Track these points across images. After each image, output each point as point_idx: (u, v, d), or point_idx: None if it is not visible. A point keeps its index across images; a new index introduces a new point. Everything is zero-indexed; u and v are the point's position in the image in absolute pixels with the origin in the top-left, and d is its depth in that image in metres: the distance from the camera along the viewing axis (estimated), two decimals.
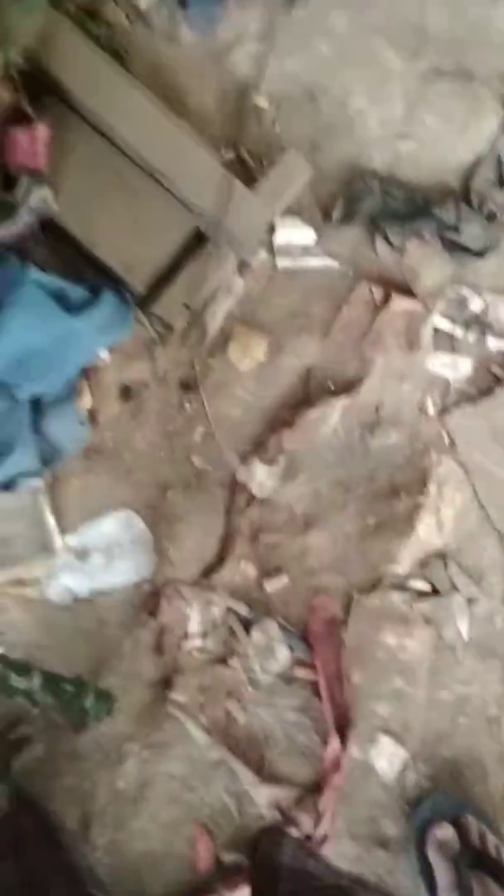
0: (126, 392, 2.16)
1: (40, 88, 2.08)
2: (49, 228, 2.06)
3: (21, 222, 1.98)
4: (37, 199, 1.96)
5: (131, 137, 2.09)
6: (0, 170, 1.95)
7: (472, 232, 2.47)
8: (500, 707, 2.24)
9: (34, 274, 1.97)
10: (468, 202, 2.50)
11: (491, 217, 2.50)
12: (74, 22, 2.14)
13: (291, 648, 2.14)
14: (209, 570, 2.15)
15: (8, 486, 1.96)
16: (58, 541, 2.03)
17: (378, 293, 2.37)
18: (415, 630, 2.22)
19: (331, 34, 2.53)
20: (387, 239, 2.41)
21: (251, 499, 2.20)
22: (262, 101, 2.45)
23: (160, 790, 1.98)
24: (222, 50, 2.43)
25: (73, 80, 2.06)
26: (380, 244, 2.41)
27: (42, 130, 1.97)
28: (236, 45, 2.44)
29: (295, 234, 2.35)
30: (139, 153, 2.10)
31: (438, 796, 2.10)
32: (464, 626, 2.26)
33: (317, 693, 2.13)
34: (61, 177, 2.06)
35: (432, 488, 2.28)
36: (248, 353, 2.23)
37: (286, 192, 2.27)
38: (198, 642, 2.10)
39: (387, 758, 2.13)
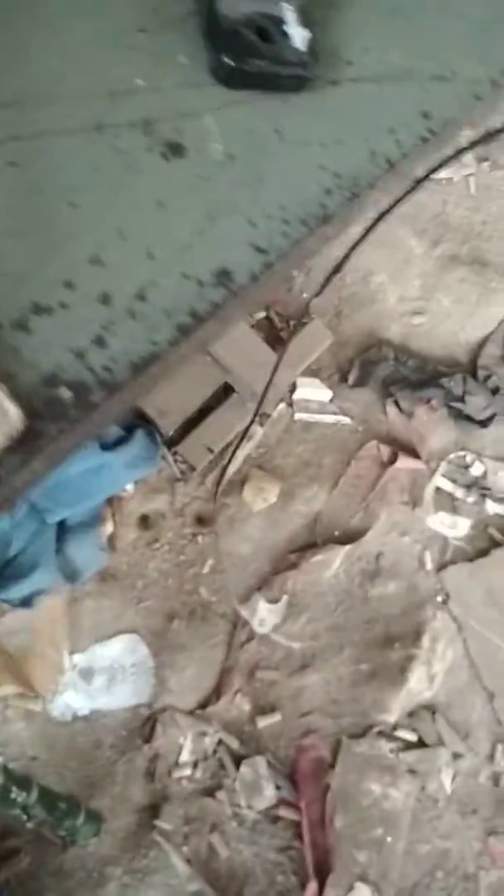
0: (145, 521, 2.32)
1: None
2: None
3: None
4: None
5: None
6: None
7: (476, 403, 2.69)
8: (477, 865, 2.26)
9: None
10: (474, 376, 2.74)
11: (495, 391, 2.73)
12: None
13: (278, 787, 2.20)
14: (206, 702, 2.24)
15: (26, 602, 2.10)
16: (66, 659, 2.14)
17: (385, 451, 2.57)
18: (399, 780, 2.28)
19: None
20: (397, 403, 2.63)
21: (252, 634, 2.31)
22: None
23: None
24: None
25: None
26: (390, 407, 2.62)
27: None
28: None
29: (313, 391, 2.57)
30: None
31: None
32: (447, 780, 2.31)
33: (299, 834, 2.17)
34: None
35: (426, 641, 2.39)
36: (262, 496, 2.41)
37: (307, 357, 2.51)
38: (188, 772, 2.17)
39: None
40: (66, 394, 0.71)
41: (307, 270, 2.75)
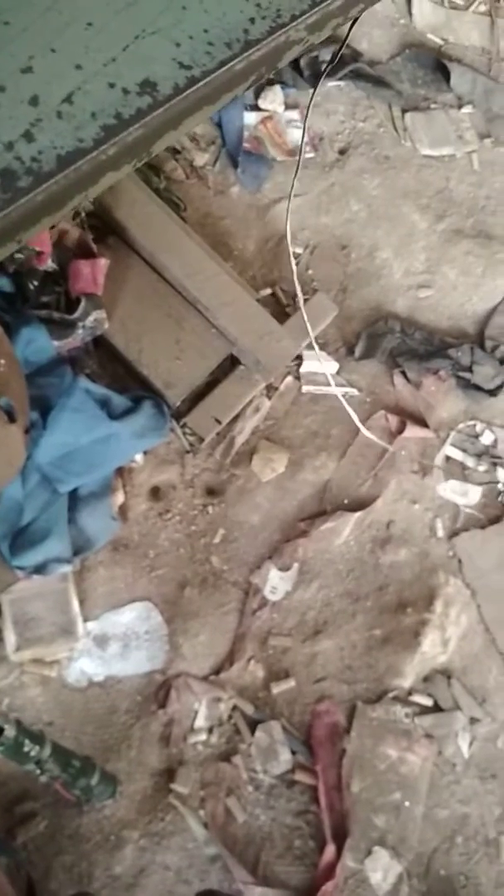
0: (156, 493, 2.35)
1: (105, 228, 2.42)
2: (101, 345, 2.34)
3: (77, 338, 2.25)
4: (92, 320, 2.24)
5: (179, 274, 2.39)
6: (64, 294, 2.25)
7: (484, 373, 2.69)
8: (498, 830, 2.24)
9: (84, 382, 2.22)
10: (482, 346, 2.74)
11: (503, 361, 2.73)
12: (139, 174, 2.51)
13: (294, 752, 2.21)
14: (219, 668, 2.25)
15: (40, 570, 2.13)
16: (80, 626, 2.17)
17: (394, 421, 2.58)
18: (416, 745, 2.27)
19: (363, 195, 2.88)
20: (404, 374, 2.64)
21: (264, 602, 2.33)
22: (297, 248, 2.77)
23: (155, 879, 2.02)
24: (266, 204, 2.78)
25: (133, 224, 2.39)
26: (398, 377, 2.64)
27: (102, 263, 2.27)
28: (278, 201, 2.79)
29: (320, 364, 2.59)
30: (185, 287, 2.39)
31: None
32: (465, 745, 2.30)
33: (316, 799, 2.17)
34: (116, 303, 2.35)
35: (439, 606, 2.39)
36: (270, 466, 2.43)
37: (312, 329, 2.54)
38: (203, 737, 2.18)
39: (382, 870, 2.13)
40: None
41: (311, 248, 2.79)
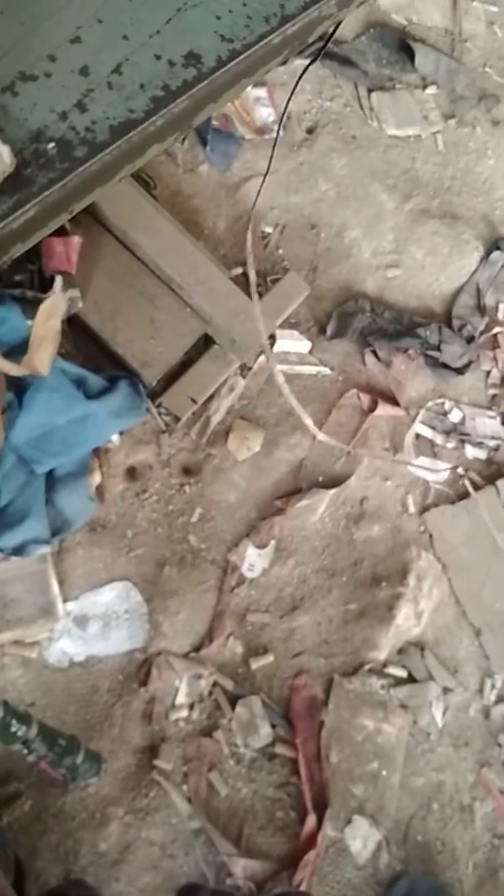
0: (132, 473, 2.35)
1: None
2: (75, 324, 2.32)
3: None
4: (66, 299, 2.21)
5: (153, 252, 2.37)
6: (38, 272, 2.22)
7: (452, 351, 2.74)
8: (472, 796, 2.32)
9: (59, 362, 2.20)
10: (449, 325, 2.79)
11: (470, 339, 2.79)
12: None
13: (273, 725, 2.24)
14: (199, 645, 2.27)
15: (18, 551, 2.11)
16: (60, 607, 2.17)
17: (366, 399, 2.61)
18: (392, 715, 2.33)
19: (331, 175, 2.89)
20: (375, 353, 2.67)
21: (242, 579, 2.35)
22: (268, 227, 2.78)
23: (141, 855, 2.04)
24: (236, 182, 2.78)
25: (104, 202, 2.36)
26: (368, 357, 2.67)
27: (75, 241, 2.25)
28: (248, 179, 2.78)
29: (292, 343, 2.61)
30: (159, 266, 2.38)
31: (415, 878, 2.15)
32: (438, 714, 2.36)
33: (296, 771, 2.21)
34: (90, 281, 2.33)
35: (412, 580, 2.44)
36: (246, 445, 2.44)
37: (285, 308, 2.55)
38: (184, 713, 2.20)
39: (361, 838, 2.19)
40: (52, 148, 0.80)
41: (281, 228, 2.79)
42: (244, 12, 0.88)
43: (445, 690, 2.39)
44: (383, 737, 2.30)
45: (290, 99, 1.90)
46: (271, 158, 2.17)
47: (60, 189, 0.82)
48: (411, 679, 2.38)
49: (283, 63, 0.96)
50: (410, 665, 2.40)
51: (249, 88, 2.93)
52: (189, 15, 0.84)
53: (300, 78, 1.57)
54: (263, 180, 2.25)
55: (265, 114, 2.91)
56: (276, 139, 2.09)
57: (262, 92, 2.94)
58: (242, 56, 0.87)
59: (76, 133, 0.81)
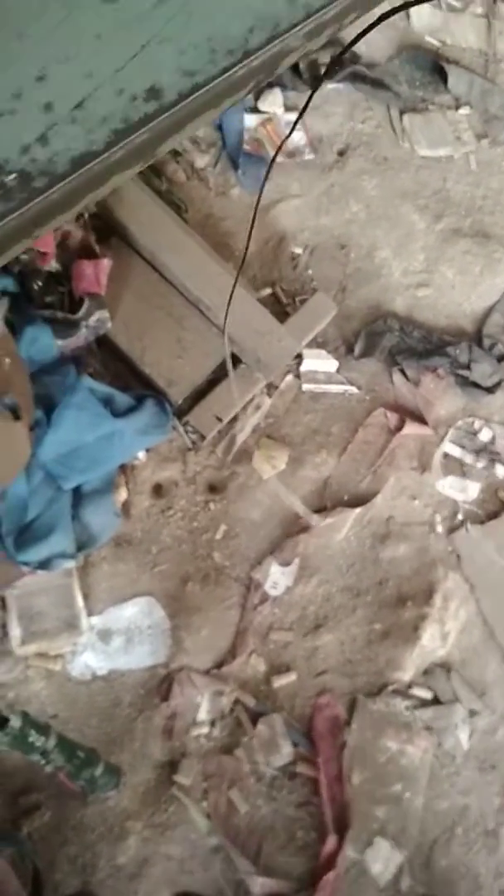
0: (158, 490, 2.39)
1: (107, 229, 2.46)
2: (104, 344, 2.37)
3: (81, 337, 2.29)
4: (96, 320, 2.28)
5: (181, 274, 2.42)
6: (67, 293, 2.28)
7: (482, 370, 2.72)
8: (497, 821, 2.27)
9: (87, 381, 2.26)
10: (480, 344, 2.78)
11: (501, 358, 2.76)
12: (142, 177, 2.54)
13: (295, 744, 2.23)
14: (221, 662, 2.28)
15: (44, 565, 2.16)
16: (84, 620, 2.21)
17: (393, 419, 2.61)
18: (416, 737, 2.30)
19: (362, 196, 2.92)
20: (403, 372, 2.67)
21: (265, 597, 2.36)
22: (297, 248, 2.81)
23: (159, 870, 2.05)
24: (266, 204, 2.82)
25: (135, 225, 2.42)
26: (396, 376, 2.67)
27: (105, 263, 2.31)
28: (278, 202, 2.82)
29: (319, 362, 2.62)
30: (186, 287, 2.43)
31: None
32: (464, 737, 2.33)
33: (317, 790, 2.20)
34: (119, 302, 2.39)
35: (438, 600, 2.42)
36: (272, 463, 2.46)
37: (312, 327, 2.57)
38: (205, 730, 2.21)
39: (382, 861, 2.16)
40: (12, 179, 0.84)
41: (311, 249, 2.82)
42: (208, 47, 0.90)
43: (472, 713, 2.36)
44: (407, 758, 2.28)
45: (296, 121, 1.91)
46: (266, 175, 2.20)
47: (19, 217, 0.86)
48: (436, 701, 2.35)
49: (250, 93, 0.99)
50: (436, 686, 2.37)
51: (282, 112, 2.98)
52: (153, 51, 0.87)
53: (305, 107, 1.60)
54: (258, 199, 2.27)
55: (297, 137, 2.95)
56: (274, 156, 2.11)
57: (293, 116, 2.99)
58: (204, 89, 0.90)
59: (36, 164, 0.85)
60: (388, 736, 2.29)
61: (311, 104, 2.78)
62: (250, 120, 2.93)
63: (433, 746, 2.30)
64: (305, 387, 2.60)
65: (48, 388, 2.21)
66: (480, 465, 2.65)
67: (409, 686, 2.35)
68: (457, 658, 2.42)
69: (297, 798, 2.20)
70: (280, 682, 2.30)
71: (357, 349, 2.68)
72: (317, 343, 2.66)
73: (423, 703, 2.34)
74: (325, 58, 3.04)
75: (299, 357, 2.61)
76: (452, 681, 2.38)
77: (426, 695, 2.35)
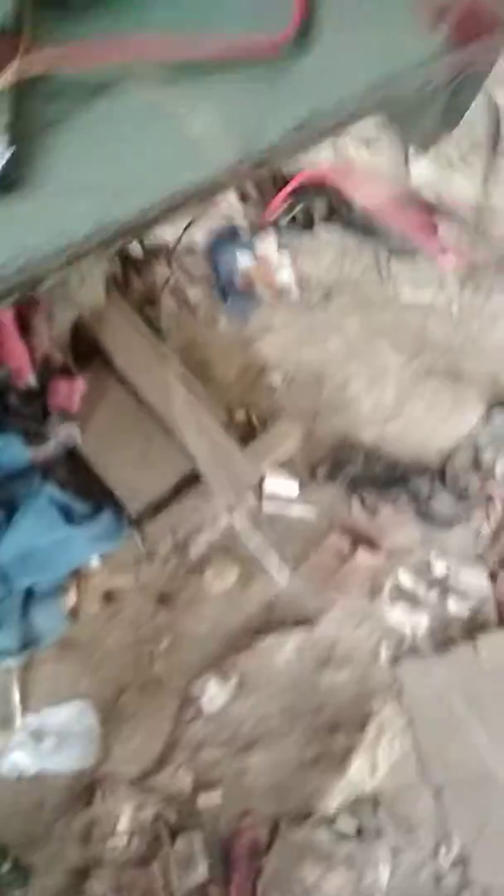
0: (109, 596, 2.50)
1: (90, 350, 2.68)
2: (73, 455, 2.55)
3: (50, 449, 2.48)
4: (65, 434, 2.47)
5: (153, 398, 2.61)
6: (41, 407, 2.49)
7: (442, 505, 2.81)
8: None
9: (50, 489, 2.43)
10: (442, 480, 2.87)
11: (462, 495, 2.85)
12: (134, 304, 2.78)
13: (210, 865, 2.24)
14: (149, 772, 2.33)
15: None
16: (19, 719, 2.30)
17: (347, 545, 2.70)
18: (334, 871, 2.28)
19: (342, 333, 3.10)
20: (362, 500, 2.77)
21: (200, 712, 2.42)
22: (276, 379, 2.99)
23: None
24: (250, 336, 3.02)
25: (115, 347, 2.64)
26: (355, 504, 2.77)
27: (80, 383, 2.52)
28: (262, 335, 3.02)
29: (281, 485, 2.75)
30: (157, 409, 2.61)
31: None
32: (384, 875, 2.30)
33: None
34: (91, 417, 2.58)
35: (371, 731, 2.44)
36: (221, 578, 2.56)
37: (274, 452, 2.72)
38: (124, 840, 2.24)
39: None
40: None
41: (289, 379, 3.00)
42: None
43: (396, 851, 2.33)
44: (321, 893, 2.26)
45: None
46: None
47: None
48: (360, 834, 2.34)
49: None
50: (362, 819, 2.36)
51: (275, 253, 3.23)
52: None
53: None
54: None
55: (285, 277, 3.17)
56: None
57: (286, 258, 3.22)
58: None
59: None
60: (306, 867, 2.28)
61: (303, 247, 3.01)
62: (244, 259, 3.17)
63: (351, 882, 2.28)
64: (266, 508, 2.72)
65: (12, 492, 2.39)
66: (432, 598, 2.69)
67: (335, 817, 2.35)
68: (389, 791, 2.42)
69: None
70: (205, 798, 2.32)
71: (320, 474, 2.80)
72: (281, 466, 2.79)
73: (347, 837, 2.33)
74: (321, 206, 3.30)
75: (261, 480, 2.74)
76: (379, 815, 2.37)
77: (349, 828, 2.34)
